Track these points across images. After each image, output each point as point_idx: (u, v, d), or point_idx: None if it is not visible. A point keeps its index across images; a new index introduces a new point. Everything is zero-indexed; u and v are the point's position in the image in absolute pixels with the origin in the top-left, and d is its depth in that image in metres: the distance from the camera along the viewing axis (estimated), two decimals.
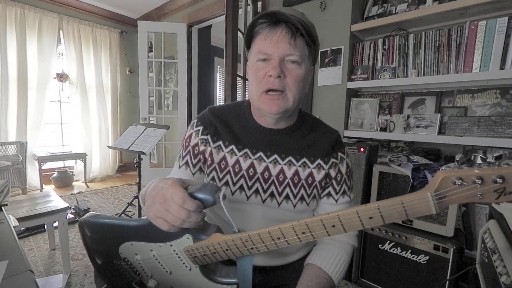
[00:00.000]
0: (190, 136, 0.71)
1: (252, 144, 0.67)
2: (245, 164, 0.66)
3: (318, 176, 0.66)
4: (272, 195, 0.65)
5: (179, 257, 0.57)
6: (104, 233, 0.62)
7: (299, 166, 0.65)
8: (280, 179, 0.65)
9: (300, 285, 0.60)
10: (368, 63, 1.78)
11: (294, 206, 0.66)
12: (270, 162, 0.66)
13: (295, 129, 0.69)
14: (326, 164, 0.66)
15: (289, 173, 0.65)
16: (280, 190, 0.65)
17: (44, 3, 3.20)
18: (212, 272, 0.58)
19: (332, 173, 0.67)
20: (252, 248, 0.51)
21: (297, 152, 0.66)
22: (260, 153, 0.66)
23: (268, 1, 2.27)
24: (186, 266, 0.58)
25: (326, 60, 1.91)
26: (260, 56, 0.60)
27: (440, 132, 1.52)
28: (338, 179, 0.68)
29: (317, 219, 0.45)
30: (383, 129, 1.68)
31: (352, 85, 1.82)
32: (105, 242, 0.62)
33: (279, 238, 0.48)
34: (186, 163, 0.70)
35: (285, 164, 0.65)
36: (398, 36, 1.65)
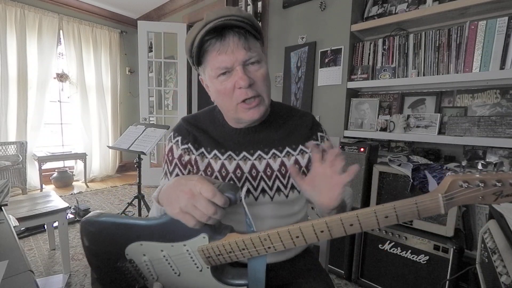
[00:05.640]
0: (171, 149, 0.68)
1: (234, 146, 0.67)
2: (231, 167, 0.66)
3: (303, 161, 0.67)
4: (263, 191, 0.66)
5: (191, 257, 0.56)
6: (110, 232, 0.58)
7: (284, 156, 0.67)
8: (268, 173, 0.66)
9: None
10: (368, 63, 1.78)
11: (287, 196, 0.67)
12: (255, 159, 0.66)
13: (272, 120, 0.69)
14: (308, 148, 0.67)
15: (275, 165, 0.66)
16: (270, 184, 0.66)
17: (44, 3, 3.20)
18: (221, 274, 0.57)
19: None
20: (269, 247, 0.51)
21: (279, 143, 0.67)
22: (244, 153, 0.66)
23: (268, 1, 2.27)
24: (198, 267, 0.56)
25: (326, 60, 1.91)
26: (220, 71, 0.57)
27: (440, 132, 1.52)
28: None
29: (336, 218, 0.47)
30: (383, 129, 1.68)
31: (352, 85, 1.82)
32: (110, 243, 0.59)
33: (297, 237, 0.49)
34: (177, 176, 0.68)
35: (270, 158, 0.66)
36: (398, 36, 1.65)
